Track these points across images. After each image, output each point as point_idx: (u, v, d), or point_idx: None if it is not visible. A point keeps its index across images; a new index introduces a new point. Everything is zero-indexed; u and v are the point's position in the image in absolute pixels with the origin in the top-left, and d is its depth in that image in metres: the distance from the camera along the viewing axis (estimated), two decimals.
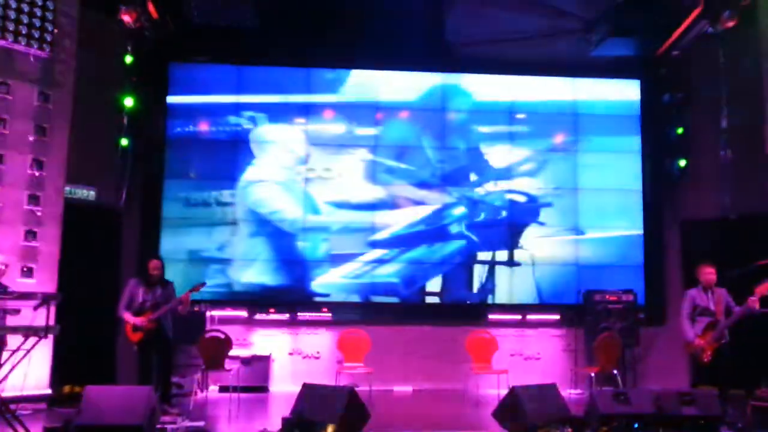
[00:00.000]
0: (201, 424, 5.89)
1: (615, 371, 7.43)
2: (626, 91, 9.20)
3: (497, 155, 8.97)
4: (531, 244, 8.84)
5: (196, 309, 7.93)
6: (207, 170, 8.61)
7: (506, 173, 8.95)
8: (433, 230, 8.79)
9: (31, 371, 5.91)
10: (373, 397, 7.03)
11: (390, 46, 8.49)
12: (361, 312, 8.51)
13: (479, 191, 8.91)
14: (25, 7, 6.78)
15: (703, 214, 8.51)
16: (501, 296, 8.76)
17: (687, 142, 8.73)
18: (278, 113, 8.79)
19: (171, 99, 8.67)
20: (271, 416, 6.45)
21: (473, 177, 8.93)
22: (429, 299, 8.76)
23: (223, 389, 7.71)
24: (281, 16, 8.28)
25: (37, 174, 6.90)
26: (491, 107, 9.04)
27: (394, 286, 8.64)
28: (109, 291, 7.76)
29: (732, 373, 6.27)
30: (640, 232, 8.95)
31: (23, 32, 6.79)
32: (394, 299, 8.65)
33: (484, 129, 9.02)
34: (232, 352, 7.42)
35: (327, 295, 8.58)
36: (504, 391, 5.96)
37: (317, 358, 8.41)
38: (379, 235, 8.72)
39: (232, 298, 8.43)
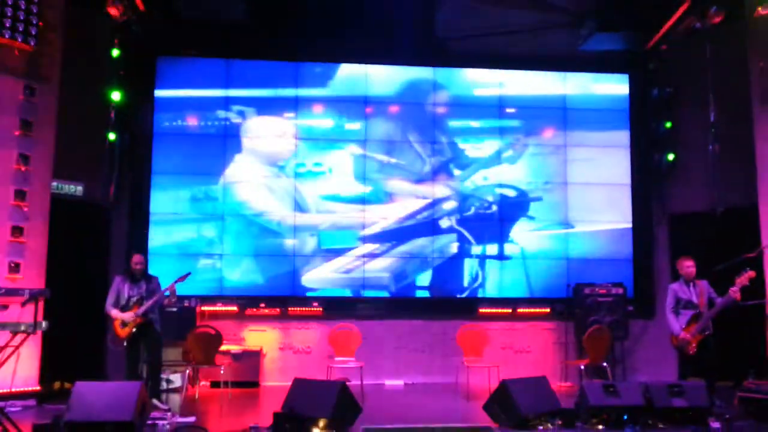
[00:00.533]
0: (192, 419, 5.88)
1: (605, 364, 7.49)
2: (615, 86, 9.25)
3: (487, 149, 8.98)
4: (521, 237, 8.88)
5: (186, 304, 7.90)
6: (195, 165, 8.55)
7: (495, 167, 8.96)
8: (424, 224, 8.80)
9: (19, 368, 5.89)
10: (365, 392, 7.04)
11: (380, 40, 8.48)
12: (352, 306, 8.51)
13: (469, 186, 8.92)
14: (10, 0, 6.68)
15: (691, 208, 8.58)
16: (491, 290, 8.80)
17: (675, 136, 8.78)
18: (267, 107, 8.74)
19: (159, 93, 8.59)
20: (262, 411, 6.43)
21: (463, 171, 8.94)
22: (420, 293, 8.76)
23: (214, 385, 7.69)
24: (270, 10, 8.23)
25: (23, 169, 6.81)
26: (481, 101, 9.05)
27: (385, 280, 8.64)
28: (97, 286, 7.71)
29: (718, 365, 6.36)
30: (629, 225, 9.01)
31: (8, 25, 6.67)
32: (384, 294, 8.66)
33: (474, 123, 9.03)
34: (223, 348, 7.41)
35: (318, 290, 8.56)
36: (495, 384, 5.98)
37: (308, 352, 8.40)
38: (370, 230, 8.71)
39: (222, 293, 8.40)
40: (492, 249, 8.86)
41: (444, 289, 8.78)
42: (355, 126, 8.85)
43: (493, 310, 8.64)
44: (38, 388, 6.69)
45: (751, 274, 6.02)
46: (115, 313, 6.32)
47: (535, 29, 8.51)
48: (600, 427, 5.49)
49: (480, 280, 8.80)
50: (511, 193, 8.97)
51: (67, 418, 4.94)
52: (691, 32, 8.07)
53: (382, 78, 8.94)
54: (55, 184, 7.26)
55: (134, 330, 6.30)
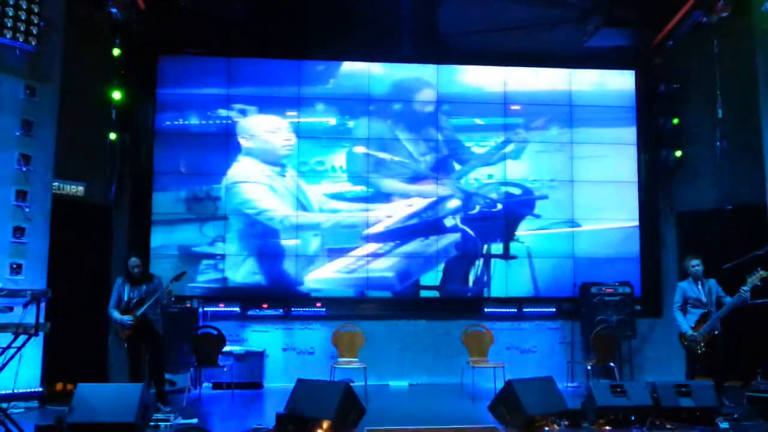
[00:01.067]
0: (194, 421, 5.86)
1: (612, 363, 7.43)
2: (621, 82, 9.16)
3: (491, 147, 8.90)
4: (527, 236, 8.80)
5: (188, 305, 7.86)
6: (197, 164, 8.51)
7: (500, 165, 8.89)
8: (428, 223, 8.73)
9: (22, 369, 5.86)
10: (369, 393, 6.98)
11: (382, 38, 8.44)
12: (355, 307, 8.45)
13: (473, 184, 8.85)
14: (11, 0, 6.65)
15: (699, 205, 8.50)
16: (497, 289, 8.72)
17: (682, 132, 8.71)
18: (269, 105, 8.69)
19: (160, 92, 8.54)
20: (265, 413, 6.39)
21: (467, 169, 8.86)
22: (424, 293, 8.70)
23: (217, 386, 7.66)
24: (271, 8, 8.19)
25: (24, 169, 6.79)
26: (485, 98, 8.97)
27: (388, 280, 8.58)
28: (99, 287, 7.70)
29: (726, 364, 6.29)
30: (636, 223, 8.92)
31: (9, 25, 6.65)
32: (388, 294, 8.59)
33: (478, 121, 8.95)
34: (226, 349, 7.38)
35: (321, 290, 8.50)
36: (500, 385, 5.92)
37: (311, 353, 8.35)
38: (373, 229, 8.65)
39: (224, 293, 8.36)
40: (497, 248, 8.78)
41: (448, 289, 8.71)
42: (358, 124, 8.78)
43: (499, 310, 8.58)
44: (41, 389, 6.67)
45: (764, 273, 5.93)
46: (115, 315, 6.29)
47: (539, 25, 8.44)
48: (607, 427, 5.46)
49: (485, 279, 8.73)
50: (517, 191, 8.89)
51: (70, 419, 4.95)
52: (698, 27, 7.98)
53: (385, 76, 8.88)
54: (56, 184, 7.23)
55: (134, 332, 6.25)
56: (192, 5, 7.69)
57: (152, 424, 5.50)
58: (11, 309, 5.43)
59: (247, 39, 8.53)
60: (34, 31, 6.80)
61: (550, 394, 5.66)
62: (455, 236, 8.75)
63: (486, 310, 8.54)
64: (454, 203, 8.80)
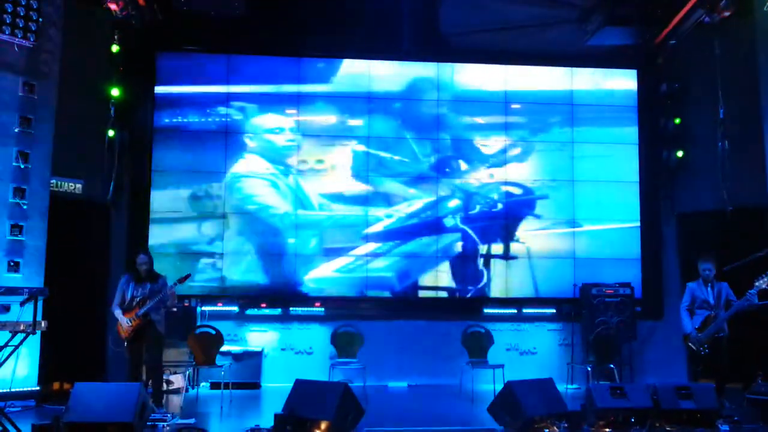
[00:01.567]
0: (192, 421, 5.84)
1: (612, 365, 7.39)
2: (623, 81, 9.11)
3: (492, 146, 8.87)
4: (527, 236, 8.76)
5: (186, 304, 7.83)
6: (196, 162, 8.46)
7: (501, 165, 8.85)
8: (428, 223, 8.69)
9: (19, 368, 5.85)
10: (368, 393, 6.96)
11: (383, 35, 8.39)
12: (354, 307, 8.41)
13: (474, 183, 8.81)
14: None
15: (700, 206, 8.46)
16: (496, 290, 8.68)
17: (684, 132, 8.66)
18: (269, 103, 8.64)
19: (159, 89, 8.48)
20: (263, 413, 6.37)
21: (467, 169, 8.83)
22: (423, 293, 8.66)
23: (215, 386, 7.62)
24: (271, 4, 8.15)
25: (22, 166, 6.77)
26: (486, 97, 8.93)
27: (388, 280, 8.54)
28: (97, 285, 7.69)
29: (729, 367, 6.25)
30: (637, 224, 8.88)
31: (7, 21, 6.64)
32: (387, 294, 8.55)
33: (479, 120, 8.91)
34: (224, 348, 7.34)
35: (320, 290, 8.47)
36: (500, 386, 5.89)
37: (310, 353, 8.31)
38: (373, 229, 8.61)
39: (223, 293, 8.31)
40: (497, 248, 8.74)
41: (448, 289, 8.66)
42: (358, 122, 8.74)
43: (498, 311, 8.55)
44: (38, 388, 6.64)
45: None
46: (117, 313, 6.25)
47: (540, 24, 8.40)
48: (607, 429, 5.43)
49: (485, 279, 8.69)
50: (517, 191, 8.85)
51: (67, 419, 4.92)
52: (701, 26, 7.94)
53: (386, 74, 8.83)
54: (54, 181, 7.21)
55: (135, 331, 6.20)
56: (191, 2, 7.64)
57: (149, 423, 5.46)
58: (8, 308, 5.41)
59: (247, 36, 8.47)
60: (33, 28, 6.79)
61: (549, 396, 5.62)
62: (455, 236, 8.71)
63: (486, 310, 8.50)
64: (454, 203, 8.76)
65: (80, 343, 7.30)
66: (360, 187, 8.64)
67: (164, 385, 6.81)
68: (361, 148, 8.71)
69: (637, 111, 9.04)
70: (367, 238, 8.58)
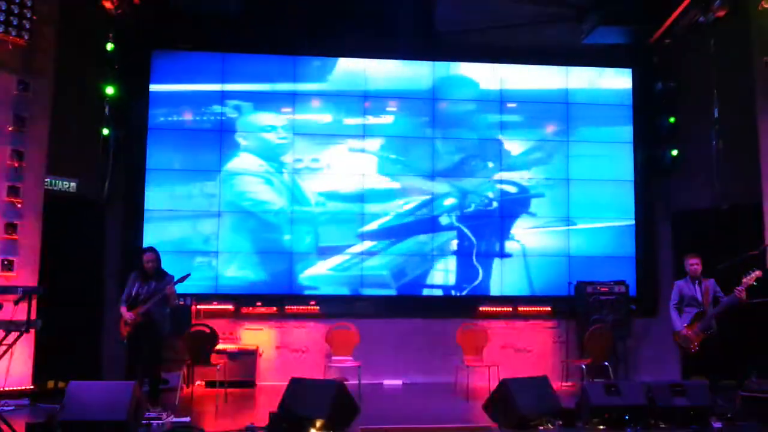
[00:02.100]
0: (187, 419, 5.83)
1: (606, 363, 7.41)
2: (618, 80, 9.13)
3: (487, 145, 8.87)
4: (522, 235, 8.77)
5: (181, 303, 7.79)
6: (191, 160, 8.44)
7: (496, 163, 8.86)
8: (423, 222, 8.70)
9: (13, 366, 5.83)
10: (363, 392, 6.96)
11: (379, 34, 8.38)
12: (350, 305, 8.41)
13: (469, 182, 8.81)
14: None
15: (694, 205, 8.48)
16: (492, 288, 8.70)
17: (679, 131, 8.68)
18: (264, 102, 8.63)
19: (154, 87, 8.47)
20: (259, 411, 6.38)
21: (463, 167, 8.83)
22: (419, 291, 8.66)
23: (210, 384, 7.60)
24: (266, 2, 8.13)
25: (16, 165, 6.75)
26: (481, 96, 8.94)
27: (383, 278, 8.54)
28: (91, 284, 7.66)
29: (720, 364, 6.28)
30: (632, 222, 8.90)
31: (1, 19, 6.60)
32: (383, 292, 8.56)
33: (474, 118, 8.91)
34: (219, 347, 7.34)
35: (315, 288, 8.46)
36: (495, 384, 5.90)
37: (305, 351, 8.30)
38: (368, 227, 8.61)
39: (218, 291, 8.30)
40: (493, 246, 8.75)
41: (443, 288, 8.68)
42: (353, 121, 8.74)
43: (494, 309, 8.55)
44: (32, 387, 6.63)
45: (758, 273, 5.95)
46: (122, 310, 6.23)
47: (536, 22, 8.40)
48: (601, 427, 5.45)
49: (480, 278, 8.70)
50: (512, 189, 8.87)
51: (61, 417, 4.92)
52: (696, 26, 7.95)
53: (381, 73, 8.83)
54: (48, 180, 7.19)
55: (135, 329, 6.18)
56: (186, 0, 7.63)
57: (144, 422, 5.45)
58: (1, 307, 5.39)
59: (242, 34, 8.45)
60: (27, 26, 6.77)
61: (544, 394, 5.64)
62: (451, 234, 8.72)
63: (481, 308, 8.51)
64: (449, 201, 8.77)
65: (75, 342, 7.28)
66: (355, 186, 8.64)
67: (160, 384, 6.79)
68: (357, 146, 8.70)
69: (633, 110, 9.07)
70: (363, 236, 8.58)
